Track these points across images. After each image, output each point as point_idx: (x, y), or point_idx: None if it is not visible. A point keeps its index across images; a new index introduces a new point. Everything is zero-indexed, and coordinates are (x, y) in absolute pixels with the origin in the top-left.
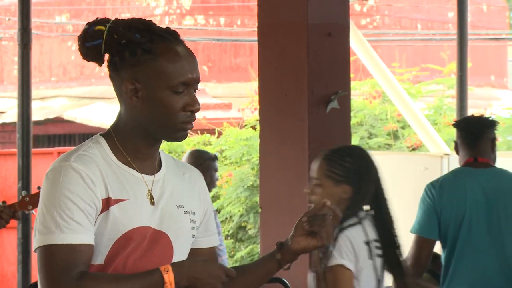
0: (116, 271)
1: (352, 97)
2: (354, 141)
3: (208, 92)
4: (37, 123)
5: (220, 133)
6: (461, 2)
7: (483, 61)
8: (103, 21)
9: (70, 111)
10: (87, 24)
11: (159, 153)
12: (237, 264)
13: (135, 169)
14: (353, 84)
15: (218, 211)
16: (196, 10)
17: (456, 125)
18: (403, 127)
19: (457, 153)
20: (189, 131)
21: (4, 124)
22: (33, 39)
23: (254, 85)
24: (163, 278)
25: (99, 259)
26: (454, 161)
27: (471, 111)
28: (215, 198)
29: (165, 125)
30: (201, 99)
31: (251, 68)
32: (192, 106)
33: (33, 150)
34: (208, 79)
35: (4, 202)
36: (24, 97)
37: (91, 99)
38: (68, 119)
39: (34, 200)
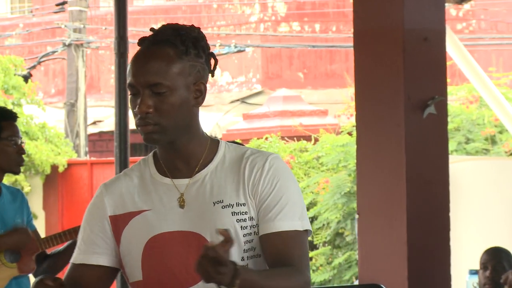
0: (155, 281)
1: (449, 102)
2: (451, 146)
3: (304, 99)
4: (135, 131)
5: (316, 140)
6: None
7: None
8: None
9: None
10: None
11: (218, 147)
12: (335, 272)
13: (168, 177)
14: (449, 89)
15: (315, 217)
16: (291, 17)
17: None
18: (500, 132)
19: None
20: (286, 138)
21: (101, 133)
22: (130, 48)
23: (350, 91)
24: None
25: (136, 275)
26: None
27: None
28: (312, 205)
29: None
30: (297, 105)
31: (347, 74)
32: (135, 109)
33: (131, 158)
34: (304, 85)
35: None
36: (121, 106)
37: None
38: None
39: None
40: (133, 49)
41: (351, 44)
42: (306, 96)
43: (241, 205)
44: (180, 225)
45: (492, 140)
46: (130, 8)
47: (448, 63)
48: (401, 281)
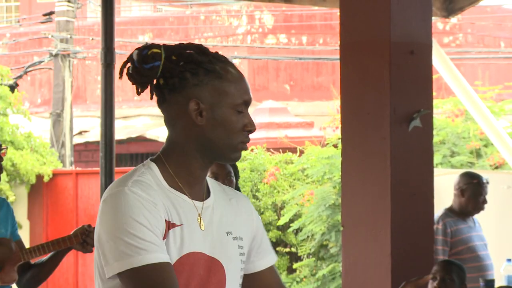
0: None
1: (434, 115)
2: (436, 159)
3: (290, 111)
4: (120, 142)
5: (301, 152)
6: None
7: None
8: (155, 45)
9: (153, 130)
10: (139, 48)
11: (206, 180)
12: (319, 283)
13: (186, 195)
14: (435, 102)
15: (299, 229)
16: (278, 29)
17: None
18: (486, 146)
19: None
20: (271, 149)
21: (87, 143)
22: (116, 58)
23: (336, 103)
24: None
25: None
26: None
27: None
28: (296, 216)
29: (226, 144)
30: (283, 117)
31: (333, 86)
32: (251, 126)
33: (116, 169)
34: (290, 97)
35: (89, 225)
36: (107, 116)
37: None
38: (151, 138)
39: None
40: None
41: (338, 56)
42: (292, 108)
43: (241, 239)
44: (204, 248)
45: (477, 154)
46: (117, 18)
47: (434, 76)
48: None
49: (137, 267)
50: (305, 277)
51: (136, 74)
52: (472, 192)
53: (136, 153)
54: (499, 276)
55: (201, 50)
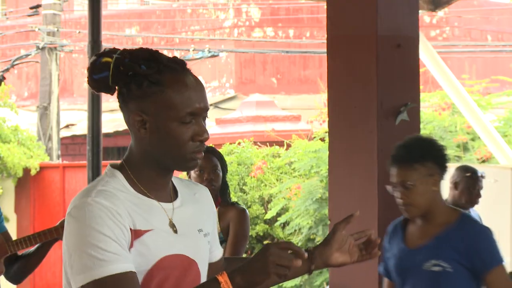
0: None
1: (421, 108)
2: None
3: (277, 104)
4: (107, 135)
5: (288, 145)
6: None
7: None
8: (111, 52)
9: None
10: (95, 55)
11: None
12: (306, 277)
13: (153, 199)
14: (422, 95)
15: (287, 223)
16: (265, 22)
17: None
18: (473, 139)
19: None
20: (258, 143)
21: (74, 136)
22: None
23: (323, 97)
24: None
25: None
26: None
27: None
28: (284, 210)
29: (175, 156)
30: (270, 110)
31: (320, 80)
32: (201, 136)
33: (103, 162)
34: (277, 91)
35: None
36: (94, 110)
37: None
38: None
39: None
40: None
41: (325, 50)
42: (279, 101)
43: (208, 235)
44: (180, 249)
45: (464, 147)
46: (104, 12)
47: (421, 70)
48: (372, 287)
49: (99, 279)
50: None
51: (89, 84)
52: (465, 185)
53: (123, 146)
54: None
55: (154, 58)
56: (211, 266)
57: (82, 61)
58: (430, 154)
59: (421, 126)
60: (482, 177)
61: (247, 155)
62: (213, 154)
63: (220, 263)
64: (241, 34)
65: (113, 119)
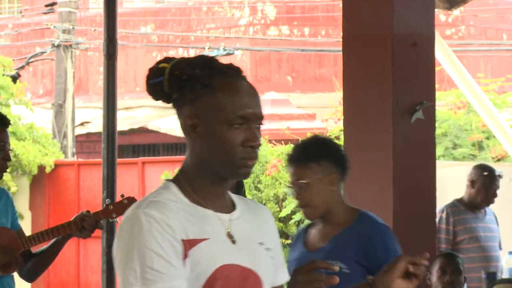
0: None
1: (437, 107)
2: (439, 151)
3: (292, 102)
4: (122, 133)
5: None
6: None
7: None
8: (169, 59)
9: (155, 121)
10: (155, 63)
11: (229, 193)
12: None
13: (209, 209)
14: (438, 94)
15: (301, 221)
16: (280, 20)
17: None
18: (488, 138)
19: None
20: (273, 141)
21: (89, 134)
22: (119, 49)
23: (338, 95)
24: None
25: None
26: None
27: None
28: (298, 208)
29: (224, 161)
30: (285, 109)
31: (335, 78)
32: (252, 142)
33: (118, 160)
34: (292, 89)
35: (88, 211)
36: (110, 107)
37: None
38: (153, 129)
39: (118, 208)
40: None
41: (340, 48)
42: (294, 99)
43: (271, 250)
44: (239, 259)
45: (479, 146)
46: (119, 9)
47: (436, 68)
48: None
49: None
50: None
51: (146, 90)
52: (482, 184)
53: (138, 144)
54: (502, 268)
55: (208, 63)
56: None
57: (97, 59)
58: (326, 153)
59: (437, 124)
60: (500, 176)
61: (262, 153)
62: None
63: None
64: (256, 32)
65: (128, 117)
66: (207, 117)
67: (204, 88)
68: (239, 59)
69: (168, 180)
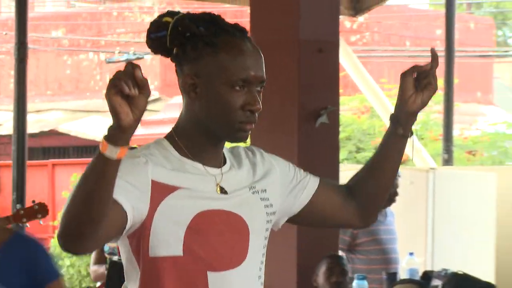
0: (196, 257)
1: (341, 112)
2: (343, 155)
3: None
4: (32, 135)
5: None
6: (449, 20)
7: (470, 78)
8: (173, 13)
9: (65, 124)
10: (158, 16)
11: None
12: None
13: (199, 163)
14: (342, 99)
15: None
16: None
17: None
18: None
19: None
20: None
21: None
22: (30, 53)
23: None
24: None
25: (174, 249)
26: (439, 175)
27: (457, 126)
28: None
29: (222, 123)
30: None
31: None
32: (252, 105)
33: (28, 162)
34: None
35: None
36: (20, 110)
37: (85, 112)
38: (63, 132)
39: (29, 213)
40: (33, 55)
41: None
42: None
43: (264, 192)
44: (222, 206)
45: None
46: (31, 14)
47: (341, 74)
48: (291, 287)
49: None
50: None
51: (146, 43)
52: None
53: (48, 146)
54: (402, 269)
55: (213, 20)
56: (314, 202)
57: (8, 62)
58: None
59: (341, 129)
60: (398, 176)
61: None
62: None
63: (322, 187)
64: None
65: (39, 119)
66: (209, 77)
67: (207, 47)
68: (149, 64)
69: (163, 137)
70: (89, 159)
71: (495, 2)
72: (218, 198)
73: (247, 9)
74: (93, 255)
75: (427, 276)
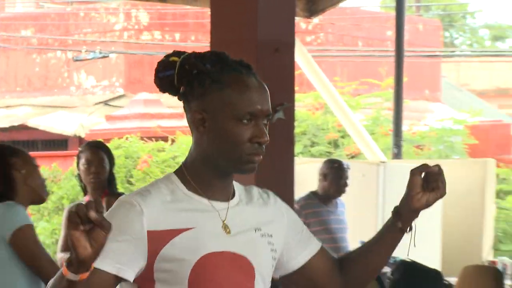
0: None
1: (296, 108)
2: (298, 149)
3: (163, 102)
4: (3, 130)
5: (173, 141)
6: (399, 22)
7: (419, 76)
8: (179, 53)
9: (34, 118)
10: (165, 56)
11: (233, 183)
12: None
13: (205, 198)
14: (297, 96)
15: None
16: (153, 26)
17: None
18: (343, 137)
19: None
20: (145, 138)
21: None
22: (0, 51)
23: None
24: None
25: None
26: (389, 168)
27: (406, 122)
28: None
29: (231, 156)
30: (156, 108)
31: None
32: (259, 138)
33: None
34: None
35: None
36: None
37: (53, 108)
38: (32, 126)
39: None
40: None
41: None
42: (165, 100)
43: (270, 236)
44: (228, 247)
45: (335, 144)
46: (1, 14)
47: (296, 72)
48: None
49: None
50: None
51: (155, 82)
52: (334, 175)
53: (18, 140)
54: None
55: (219, 58)
56: (308, 266)
57: None
58: None
59: (296, 124)
60: (348, 168)
61: (134, 149)
62: (101, 148)
63: (320, 259)
64: (130, 37)
65: (9, 114)
66: (216, 112)
67: (214, 84)
68: (114, 62)
69: (173, 172)
70: (57, 152)
71: (442, 5)
72: (224, 238)
73: (208, 11)
74: (60, 243)
75: None
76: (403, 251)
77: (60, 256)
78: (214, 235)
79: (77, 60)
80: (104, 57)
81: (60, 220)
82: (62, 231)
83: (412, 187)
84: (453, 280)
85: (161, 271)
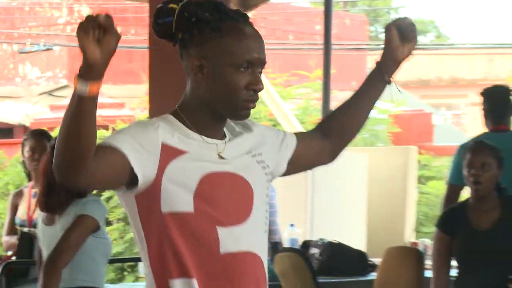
0: (206, 214)
1: None
2: None
3: (104, 93)
4: None
5: (113, 129)
6: (327, 17)
7: (346, 69)
8: (177, 0)
9: None
10: (163, 2)
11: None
12: (127, 245)
13: (202, 135)
14: None
15: (110, 198)
16: None
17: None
18: (274, 125)
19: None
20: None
21: None
22: None
23: (145, 87)
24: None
25: (185, 206)
26: None
27: None
28: None
29: (227, 102)
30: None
31: (143, 72)
32: (255, 85)
33: None
34: (105, 81)
35: None
36: None
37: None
38: None
39: None
40: None
41: (147, 46)
42: (106, 90)
43: (260, 155)
44: (227, 168)
45: None
46: None
47: None
48: None
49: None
50: (115, 239)
51: (153, 28)
52: None
53: None
54: (284, 239)
55: (217, 7)
56: (297, 153)
57: None
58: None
59: None
60: None
61: None
62: (44, 136)
63: (300, 142)
64: (73, 30)
65: None
66: (215, 59)
67: (212, 31)
68: (58, 54)
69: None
70: (2, 140)
71: (368, 1)
72: (222, 163)
73: (147, 6)
74: (5, 227)
75: (306, 245)
76: (330, 233)
77: (5, 239)
78: (213, 159)
79: (22, 53)
80: (48, 49)
81: (5, 205)
82: (8, 215)
83: (391, 40)
84: (377, 260)
85: (167, 186)
